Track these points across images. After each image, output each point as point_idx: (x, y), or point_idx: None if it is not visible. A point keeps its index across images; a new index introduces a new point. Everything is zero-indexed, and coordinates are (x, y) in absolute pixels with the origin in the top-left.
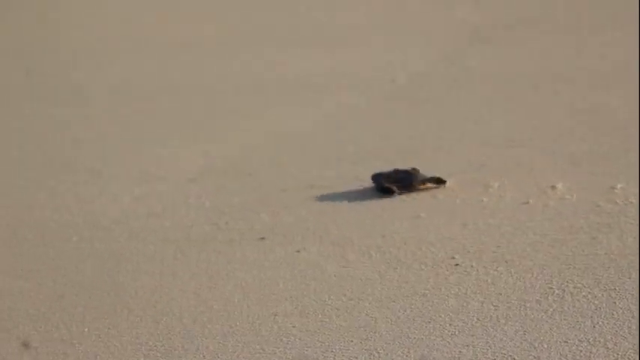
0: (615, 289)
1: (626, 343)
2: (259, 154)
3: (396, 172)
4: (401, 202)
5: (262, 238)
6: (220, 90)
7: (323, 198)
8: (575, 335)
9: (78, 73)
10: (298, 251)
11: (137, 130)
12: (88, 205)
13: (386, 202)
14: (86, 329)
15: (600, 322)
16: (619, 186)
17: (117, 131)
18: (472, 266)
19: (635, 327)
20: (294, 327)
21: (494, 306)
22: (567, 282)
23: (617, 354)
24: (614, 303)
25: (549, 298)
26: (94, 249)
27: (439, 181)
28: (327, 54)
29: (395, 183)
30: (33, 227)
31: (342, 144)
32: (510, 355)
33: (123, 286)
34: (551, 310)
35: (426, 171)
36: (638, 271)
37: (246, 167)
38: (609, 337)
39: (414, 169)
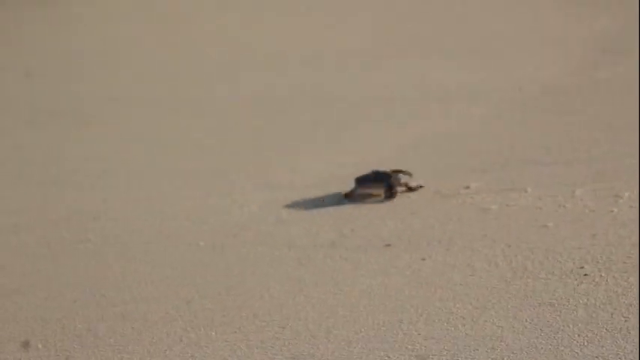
0: None
1: None
2: (387, 162)
3: (375, 173)
4: (528, 210)
5: (388, 245)
6: (356, 100)
7: (449, 205)
8: None
9: (221, 86)
10: (424, 259)
11: (268, 140)
12: (217, 211)
13: (512, 211)
14: (213, 333)
15: None
16: None
17: (247, 141)
18: (602, 276)
19: None
20: (419, 334)
21: (625, 317)
22: None
23: None
24: None
25: None
26: (222, 255)
27: (411, 189)
28: (464, 65)
29: (374, 183)
30: (165, 234)
31: (471, 153)
32: None
33: (250, 291)
34: None
35: (555, 180)
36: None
37: None
38: None
39: (393, 171)
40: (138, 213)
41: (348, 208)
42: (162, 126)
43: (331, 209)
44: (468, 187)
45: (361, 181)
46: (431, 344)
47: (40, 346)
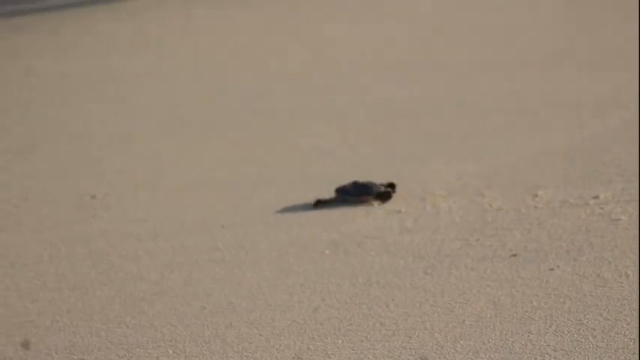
0: None
1: None
2: (511, 172)
3: (355, 184)
4: None
5: (514, 255)
6: (484, 109)
7: (577, 215)
8: None
9: (341, 96)
10: (552, 269)
11: (394, 149)
12: (343, 220)
13: None
14: (340, 341)
15: None
16: None
17: (373, 149)
18: None
19: None
20: (548, 346)
21: None
22: None
23: None
24: None
25: None
26: (347, 263)
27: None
28: (596, 76)
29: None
30: (291, 242)
31: (600, 163)
32: None
33: (375, 300)
34: None
35: None
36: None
37: (498, 184)
38: None
39: (371, 182)
40: (266, 221)
41: (474, 217)
42: (290, 132)
43: (457, 218)
44: (596, 197)
45: (341, 191)
46: (560, 356)
47: (170, 351)
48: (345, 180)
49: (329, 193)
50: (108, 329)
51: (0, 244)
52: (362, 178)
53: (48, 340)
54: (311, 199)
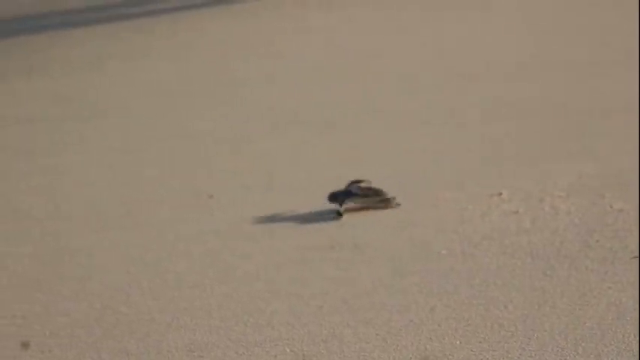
0: None
1: None
2: (632, 173)
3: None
4: None
5: (635, 257)
6: (603, 109)
7: None
8: None
9: (455, 96)
10: None
11: (507, 150)
12: (459, 220)
13: None
14: (458, 342)
15: None
16: None
17: (483, 151)
18: None
19: None
20: None
21: None
22: None
23: None
24: None
25: None
26: (464, 264)
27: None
28: None
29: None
30: (410, 242)
31: None
32: None
33: (493, 301)
34: None
35: None
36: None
37: (619, 185)
38: None
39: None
40: (381, 220)
41: (594, 219)
42: (403, 133)
43: (576, 219)
44: None
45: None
46: None
47: (287, 349)
48: (465, 181)
49: (449, 194)
50: (226, 327)
51: (121, 243)
52: (473, 180)
53: (168, 338)
54: (423, 199)
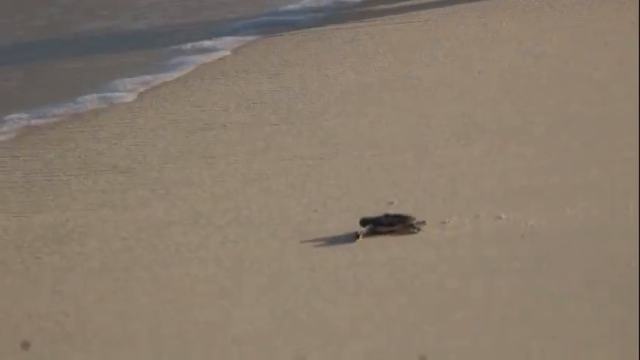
0: None
1: None
2: None
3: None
4: None
5: None
6: None
7: None
8: None
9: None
10: None
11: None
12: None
13: None
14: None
15: None
16: None
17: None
18: None
19: None
20: None
21: None
22: None
23: None
24: None
25: None
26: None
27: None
28: None
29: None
30: (590, 255)
31: None
32: None
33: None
34: None
35: None
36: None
37: None
38: None
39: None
40: (568, 231)
41: None
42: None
43: None
44: None
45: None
46: None
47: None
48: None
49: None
50: (406, 337)
51: (304, 251)
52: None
53: (348, 346)
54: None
